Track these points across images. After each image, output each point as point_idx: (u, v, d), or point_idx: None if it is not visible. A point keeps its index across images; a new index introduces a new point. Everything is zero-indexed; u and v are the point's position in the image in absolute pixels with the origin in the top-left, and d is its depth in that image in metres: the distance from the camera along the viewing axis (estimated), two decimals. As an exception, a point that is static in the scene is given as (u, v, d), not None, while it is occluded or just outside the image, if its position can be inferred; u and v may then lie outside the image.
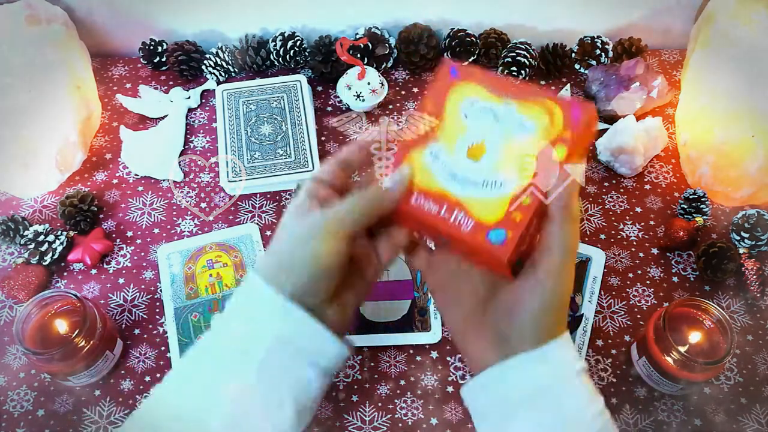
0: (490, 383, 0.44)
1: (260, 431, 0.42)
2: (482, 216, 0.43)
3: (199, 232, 0.74)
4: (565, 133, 0.43)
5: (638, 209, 0.75)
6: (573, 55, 0.87)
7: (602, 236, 0.73)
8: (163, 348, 0.66)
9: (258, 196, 0.76)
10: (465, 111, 0.46)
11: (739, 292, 0.70)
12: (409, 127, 0.48)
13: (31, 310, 0.60)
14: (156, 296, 0.69)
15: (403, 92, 0.85)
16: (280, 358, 0.43)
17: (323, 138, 0.81)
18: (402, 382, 0.64)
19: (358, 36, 0.86)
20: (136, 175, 0.78)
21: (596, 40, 0.86)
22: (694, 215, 0.72)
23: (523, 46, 0.84)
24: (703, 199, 0.72)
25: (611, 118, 0.81)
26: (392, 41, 0.87)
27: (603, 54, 0.86)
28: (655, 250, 0.72)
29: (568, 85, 0.86)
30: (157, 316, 0.68)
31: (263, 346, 0.42)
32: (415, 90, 0.86)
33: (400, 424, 0.62)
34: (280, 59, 0.85)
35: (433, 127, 0.47)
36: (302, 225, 0.44)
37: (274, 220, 0.74)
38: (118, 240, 0.73)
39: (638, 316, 0.68)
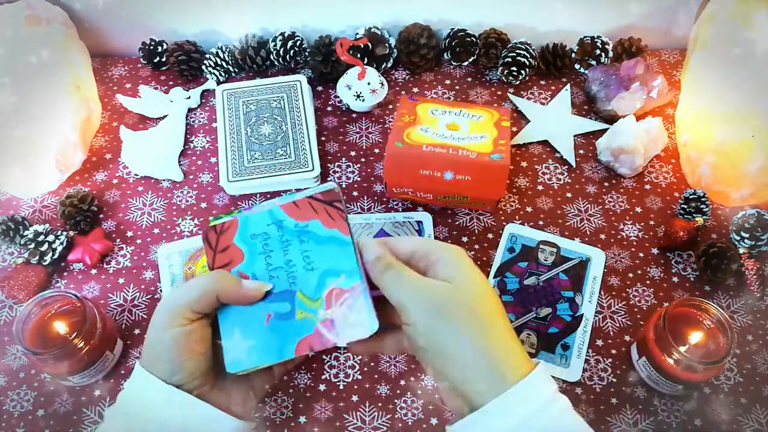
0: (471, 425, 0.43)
1: None
2: (480, 150, 0.69)
3: (199, 232, 0.73)
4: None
5: (638, 209, 0.75)
6: (573, 55, 0.87)
7: (602, 236, 0.73)
8: (163, 348, 0.66)
9: (258, 196, 0.76)
10: (431, 112, 0.76)
11: (739, 292, 0.70)
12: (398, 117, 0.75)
13: (31, 310, 0.60)
14: (156, 296, 0.69)
15: (403, 92, 0.85)
16: None
17: (323, 138, 0.81)
18: (402, 382, 0.64)
19: (358, 36, 0.86)
20: (136, 175, 0.78)
21: (596, 40, 0.86)
22: (694, 215, 0.72)
23: (523, 46, 0.84)
24: (703, 199, 0.72)
25: (611, 118, 0.81)
26: (392, 41, 0.87)
27: (603, 54, 0.86)
28: (655, 250, 0.72)
29: (568, 85, 0.86)
30: (157, 316, 0.68)
31: None
32: (416, 90, 0.86)
33: (400, 424, 0.62)
34: (280, 59, 0.85)
35: (411, 119, 0.74)
36: (155, 320, 0.47)
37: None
38: (118, 240, 0.73)
39: (638, 316, 0.68)
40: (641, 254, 0.72)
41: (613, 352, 0.66)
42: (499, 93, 0.86)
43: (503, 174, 0.69)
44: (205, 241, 0.50)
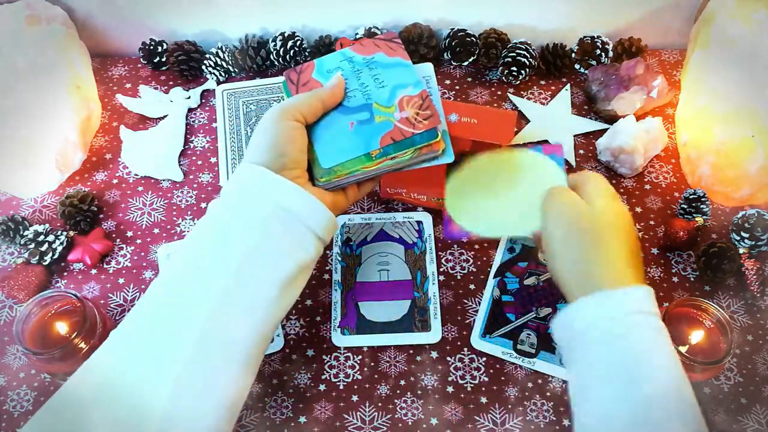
0: (565, 317, 0.51)
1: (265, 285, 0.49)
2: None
3: (199, 232, 0.73)
4: None
5: (638, 209, 0.75)
6: (573, 55, 0.87)
7: (602, 236, 0.73)
8: (163, 348, 0.66)
9: (258, 196, 0.76)
10: None
11: (739, 292, 0.70)
12: None
13: (31, 310, 0.60)
14: (156, 296, 0.69)
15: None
16: (279, 222, 0.50)
17: (323, 138, 0.81)
18: (402, 382, 0.64)
19: (358, 36, 0.86)
20: (136, 175, 0.78)
21: (596, 40, 0.86)
22: (694, 215, 0.72)
23: (523, 46, 0.84)
24: (703, 199, 0.72)
25: (611, 118, 0.81)
26: (392, 41, 0.87)
27: (603, 54, 0.86)
28: (655, 250, 0.72)
29: (568, 85, 0.86)
30: (157, 316, 0.68)
31: (261, 213, 0.50)
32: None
33: (400, 424, 0.62)
34: (280, 59, 0.85)
35: None
36: (265, 117, 0.54)
37: (274, 220, 0.74)
38: (118, 240, 0.73)
39: (638, 316, 0.68)
40: (641, 254, 0.72)
41: (613, 352, 0.66)
42: (499, 93, 0.86)
43: (511, 120, 0.65)
44: (287, 80, 0.59)
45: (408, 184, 0.71)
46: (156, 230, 0.74)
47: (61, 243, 0.70)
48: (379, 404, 0.63)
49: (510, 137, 0.65)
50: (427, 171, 0.67)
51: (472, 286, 0.70)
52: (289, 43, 0.85)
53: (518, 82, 0.85)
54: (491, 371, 0.65)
